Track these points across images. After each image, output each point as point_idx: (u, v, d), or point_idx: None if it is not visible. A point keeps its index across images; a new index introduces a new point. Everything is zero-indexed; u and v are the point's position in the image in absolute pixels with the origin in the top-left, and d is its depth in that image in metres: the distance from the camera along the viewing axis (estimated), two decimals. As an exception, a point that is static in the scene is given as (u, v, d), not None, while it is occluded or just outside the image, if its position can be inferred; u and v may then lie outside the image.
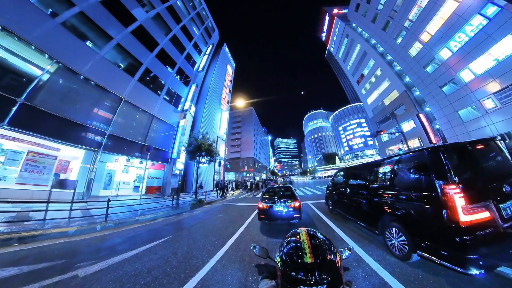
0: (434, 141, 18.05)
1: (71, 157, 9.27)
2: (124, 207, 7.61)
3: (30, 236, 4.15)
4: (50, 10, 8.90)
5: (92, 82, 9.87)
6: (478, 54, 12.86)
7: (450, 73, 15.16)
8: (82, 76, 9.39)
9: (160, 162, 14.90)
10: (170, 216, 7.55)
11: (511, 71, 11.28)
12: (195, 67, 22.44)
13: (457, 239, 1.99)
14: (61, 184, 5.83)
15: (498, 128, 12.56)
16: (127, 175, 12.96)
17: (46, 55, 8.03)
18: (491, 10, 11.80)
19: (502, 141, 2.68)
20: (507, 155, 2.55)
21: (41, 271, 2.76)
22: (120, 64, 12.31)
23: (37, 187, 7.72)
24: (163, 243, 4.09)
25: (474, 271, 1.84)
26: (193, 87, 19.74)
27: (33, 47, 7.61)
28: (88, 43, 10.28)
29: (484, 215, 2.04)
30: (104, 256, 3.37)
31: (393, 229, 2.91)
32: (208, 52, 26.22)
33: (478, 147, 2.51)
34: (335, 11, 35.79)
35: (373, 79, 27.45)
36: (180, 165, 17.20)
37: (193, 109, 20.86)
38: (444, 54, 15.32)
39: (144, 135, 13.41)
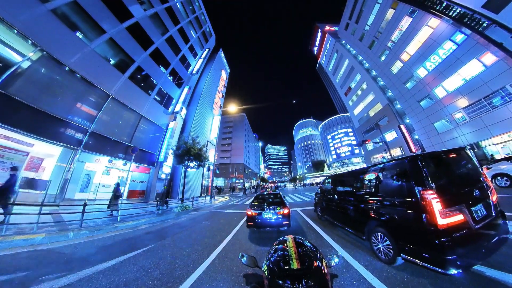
0: (413, 150, 19.41)
1: (45, 154, 8.48)
2: (102, 212, 7.03)
3: (-14, 244, 3.65)
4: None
5: (78, 75, 9.29)
6: (450, 74, 14.48)
7: (427, 89, 16.76)
8: (67, 68, 8.81)
9: (145, 165, 14.16)
10: (153, 223, 7.10)
11: (477, 89, 12.83)
12: (189, 69, 22.28)
13: (436, 241, 2.10)
14: (30, 184, 5.26)
15: (467, 139, 14.01)
16: (108, 177, 12.08)
17: (30, 41, 7.46)
18: (459, 37, 13.49)
19: (471, 150, 2.96)
20: (476, 162, 2.82)
21: (-4, 285, 2.41)
22: (110, 59, 11.83)
23: (1, 187, 6.89)
24: (144, 253, 3.79)
25: (453, 271, 1.94)
26: (185, 89, 19.47)
27: (15, 31, 7.04)
28: (78, 34, 9.79)
29: (459, 217, 2.19)
30: (75, 267, 3.03)
31: (379, 234, 2.99)
32: (203, 56, 26.31)
33: (451, 155, 2.74)
34: (327, 28, 38.36)
35: (359, 92, 29.28)
36: (167, 169, 16.51)
37: (184, 111, 20.45)
38: (421, 72, 16.99)
39: (130, 135, 12.76)
